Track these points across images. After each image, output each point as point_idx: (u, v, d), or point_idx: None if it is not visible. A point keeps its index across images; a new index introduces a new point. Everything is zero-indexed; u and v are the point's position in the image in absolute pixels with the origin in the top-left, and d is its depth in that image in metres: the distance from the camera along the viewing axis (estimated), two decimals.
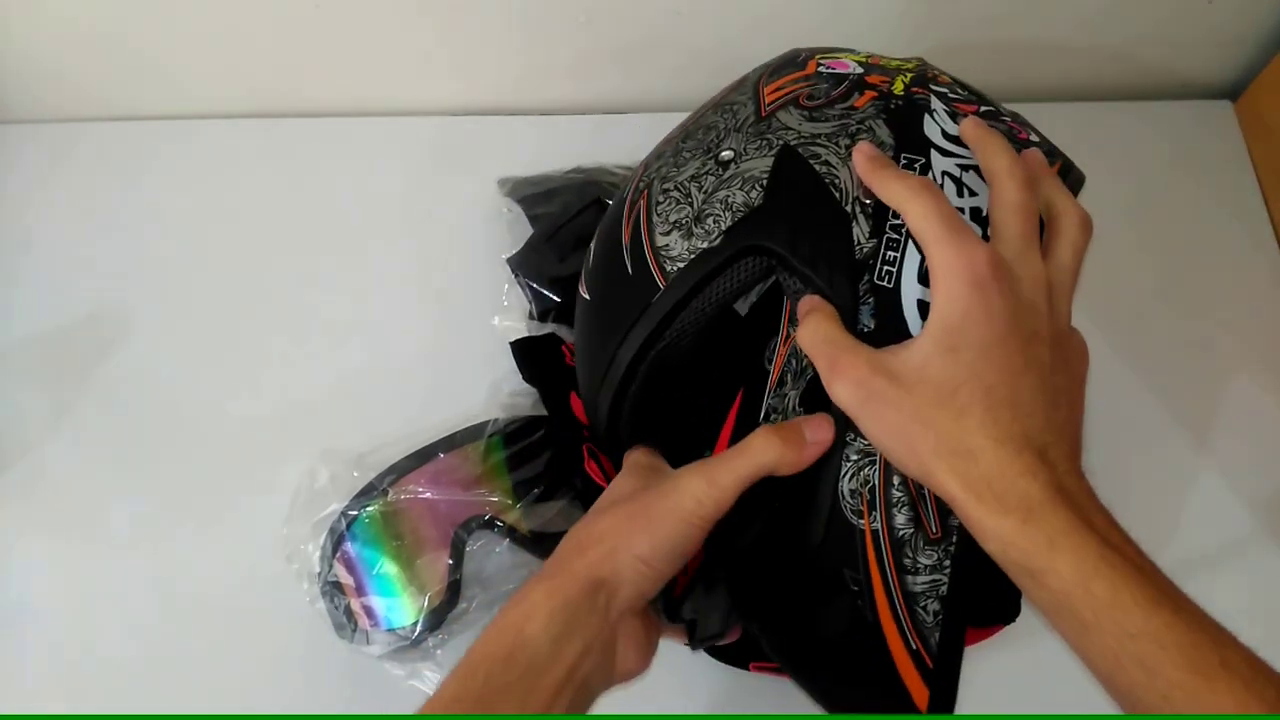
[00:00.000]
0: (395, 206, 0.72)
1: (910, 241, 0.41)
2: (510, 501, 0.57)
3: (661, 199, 0.46)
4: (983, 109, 0.46)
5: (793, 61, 0.49)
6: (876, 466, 0.41)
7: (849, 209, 0.42)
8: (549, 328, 0.64)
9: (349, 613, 0.55)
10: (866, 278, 0.41)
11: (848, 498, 0.42)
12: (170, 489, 0.62)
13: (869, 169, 0.41)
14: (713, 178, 0.44)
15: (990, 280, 0.37)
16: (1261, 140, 0.73)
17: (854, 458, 0.41)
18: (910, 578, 0.41)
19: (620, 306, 0.47)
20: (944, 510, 0.41)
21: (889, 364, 0.38)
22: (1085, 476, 0.38)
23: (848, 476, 0.42)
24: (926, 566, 0.41)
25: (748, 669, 0.55)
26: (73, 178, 0.73)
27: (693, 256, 0.44)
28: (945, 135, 0.44)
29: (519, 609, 0.39)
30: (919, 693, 0.41)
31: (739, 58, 0.75)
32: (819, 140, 0.43)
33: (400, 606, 0.55)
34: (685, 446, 0.47)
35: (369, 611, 0.55)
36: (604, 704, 0.55)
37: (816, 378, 0.42)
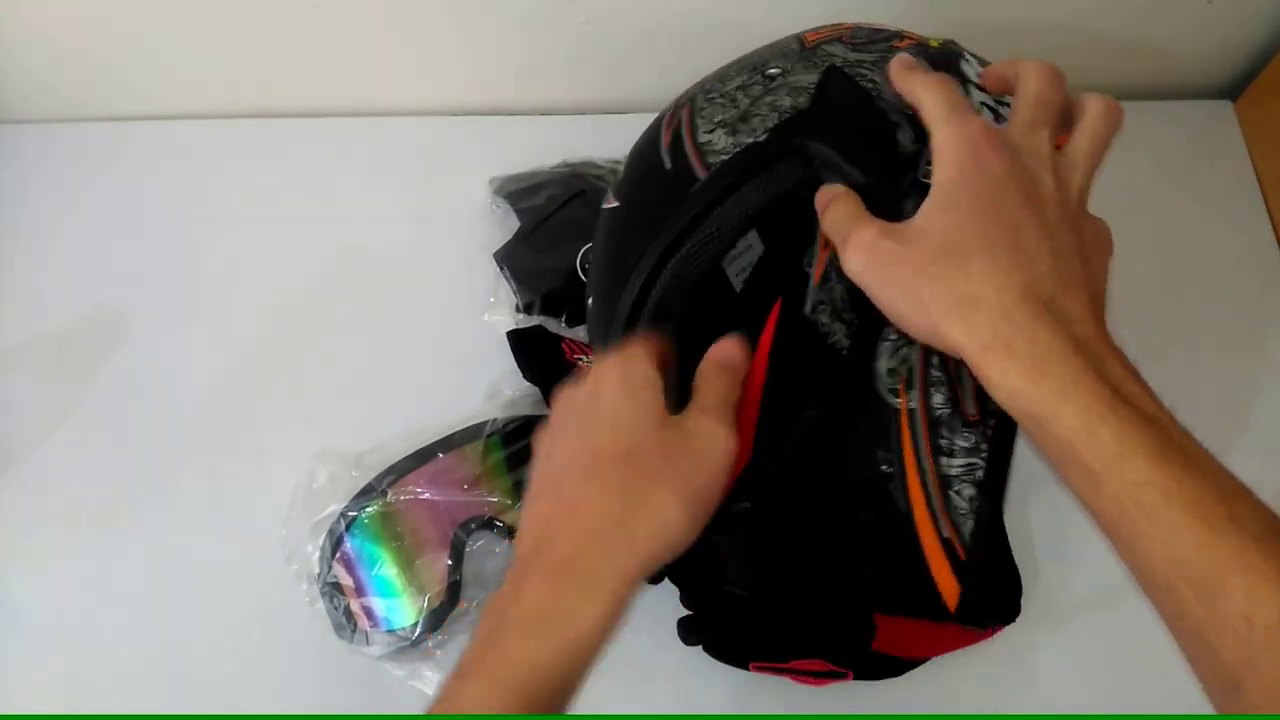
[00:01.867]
0: (394, 206, 0.72)
1: None
2: (509, 501, 0.57)
3: (705, 105, 0.46)
4: None
5: (830, 25, 0.50)
6: (915, 346, 0.41)
7: (893, 118, 0.42)
8: (535, 320, 0.64)
9: (348, 613, 0.55)
10: (910, 174, 0.41)
11: (885, 377, 0.41)
12: (169, 489, 0.62)
13: (899, 70, 0.42)
14: (759, 87, 0.45)
15: (983, 141, 0.38)
16: (1261, 140, 0.73)
17: (892, 337, 0.41)
18: (946, 459, 0.41)
19: (656, 201, 0.46)
20: (983, 393, 0.40)
21: (895, 228, 0.39)
22: (1105, 328, 0.38)
23: (885, 355, 0.41)
24: (963, 449, 0.41)
25: (747, 669, 0.55)
26: (73, 178, 0.73)
27: (737, 150, 0.43)
28: (980, 77, 0.45)
29: (573, 626, 0.36)
30: (949, 590, 0.41)
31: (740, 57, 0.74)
32: (864, 64, 0.44)
33: (400, 607, 0.55)
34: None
35: (368, 612, 0.55)
36: (605, 704, 0.55)
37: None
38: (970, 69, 0.45)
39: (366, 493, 0.57)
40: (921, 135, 0.41)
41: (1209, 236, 0.70)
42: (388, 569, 0.56)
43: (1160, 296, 0.68)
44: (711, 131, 0.44)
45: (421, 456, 0.58)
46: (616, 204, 0.49)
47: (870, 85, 0.43)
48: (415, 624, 0.55)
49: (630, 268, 0.45)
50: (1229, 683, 0.32)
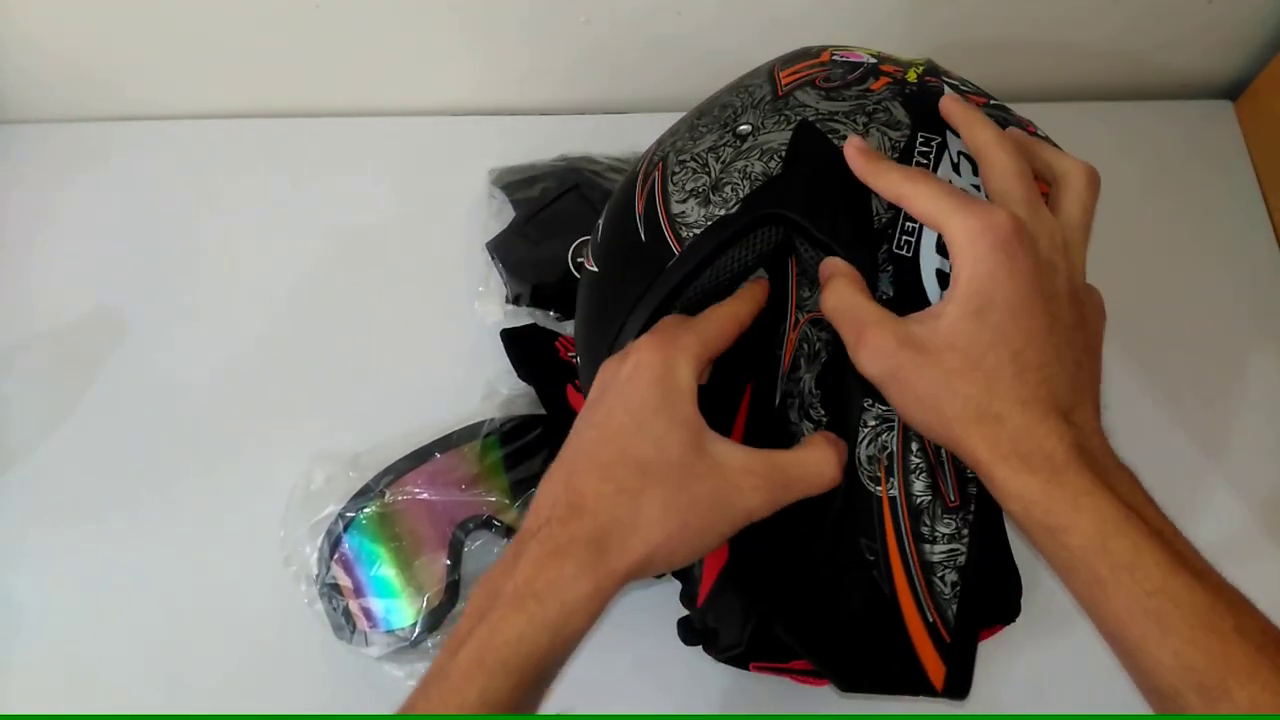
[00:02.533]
0: (394, 206, 0.72)
1: None
2: (508, 501, 0.57)
3: (678, 169, 0.45)
4: (991, 102, 0.46)
5: (806, 53, 0.49)
6: (895, 432, 0.41)
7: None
8: (524, 312, 0.64)
9: (347, 614, 0.55)
10: (885, 247, 0.41)
11: (865, 464, 0.41)
12: (168, 490, 0.62)
13: (863, 163, 0.41)
14: (730, 149, 0.44)
15: (1013, 239, 0.37)
16: (1261, 140, 0.72)
17: (871, 423, 0.41)
18: (928, 546, 0.41)
19: (632, 274, 0.45)
20: (963, 477, 0.41)
21: (915, 334, 0.38)
22: (1106, 436, 0.38)
23: (865, 442, 0.41)
24: (944, 535, 0.41)
25: (748, 669, 0.55)
26: (71, 178, 0.73)
27: (709, 223, 0.43)
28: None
29: (558, 603, 0.37)
30: (935, 669, 0.41)
31: (739, 57, 0.74)
32: (836, 117, 0.43)
33: (399, 607, 0.55)
34: None
35: (367, 613, 0.55)
36: (605, 705, 0.55)
37: (831, 359, 0.42)
38: (953, 104, 0.44)
39: (364, 493, 0.57)
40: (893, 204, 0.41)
41: (1209, 236, 0.70)
42: (386, 569, 0.55)
43: (1160, 296, 0.68)
44: (684, 202, 0.44)
45: (419, 456, 0.58)
46: (595, 269, 0.49)
47: (841, 143, 0.42)
48: (414, 624, 0.55)
49: (611, 339, 0.46)
50: None
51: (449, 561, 0.56)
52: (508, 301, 0.65)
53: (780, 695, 0.56)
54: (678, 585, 0.56)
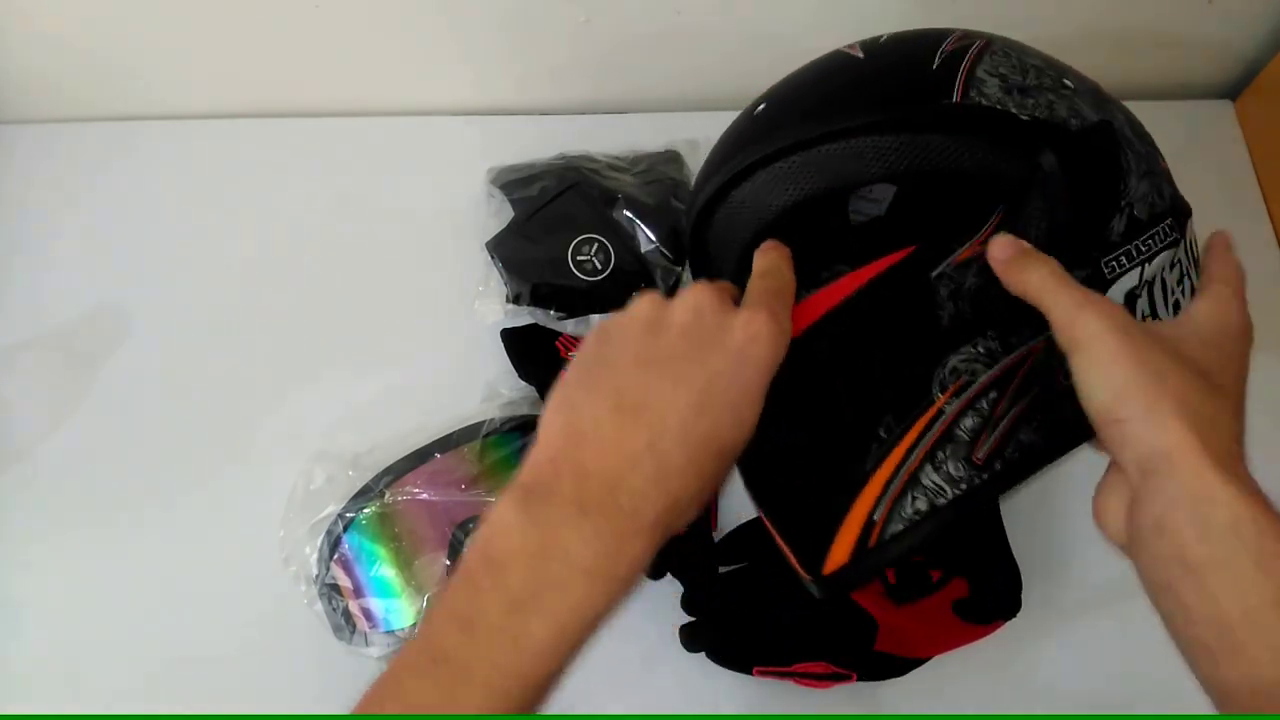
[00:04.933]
0: (393, 206, 0.72)
1: (1144, 265, 0.44)
2: None
3: (1002, 54, 0.45)
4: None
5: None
6: (990, 371, 0.42)
7: (1122, 204, 0.43)
8: (524, 311, 0.64)
9: (347, 615, 0.55)
10: (1099, 255, 0.43)
11: (947, 372, 0.42)
12: (168, 490, 0.62)
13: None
14: (1050, 79, 0.45)
15: (1246, 324, 0.43)
16: (1261, 140, 0.72)
17: (979, 350, 0.42)
18: (929, 468, 0.42)
19: (900, 85, 0.45)
20: (1000, 446, 0.41)
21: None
22: None
23: (962, 358, 0.42)
24: (948, 473, 0.42)
25: (751, 674, 0.55)
26: (72, 178, 0.73)
27: (997, 108, 0.43)
28: None
29: (626, 570, 0.36)
30: (835, 558, 0.42)
31: (739, 58, 0.75)
32: (1134, 146, 0.45)
33: (399, 608, 0.55)
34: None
35: (367, 613, 0.55)
36: (608, 707, 0.55)
37: (995, 293, 0.42)
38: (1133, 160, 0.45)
39: (364, 493, 0.57)
40: (1129, 236, 0.43)
41: (1209, 236, 0.70)
42: (386, 570, 0.55)
43: None
44: (991, 75, 0.44)
45: (419, 457, 0.58)
46: (860, 55, 0.48)
47: (1126, 163, 0.44)
48: (414, 624, 0.55)
49: (832, 114, 0.45)
50: None
51: (449, 562, 0.55)
52: (508, 301, 0.65)
53: (783, 697, 0.56)
54: (679, 588, 0.56)
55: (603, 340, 0.41)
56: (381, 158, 0.74)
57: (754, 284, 0.42)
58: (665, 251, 0.66)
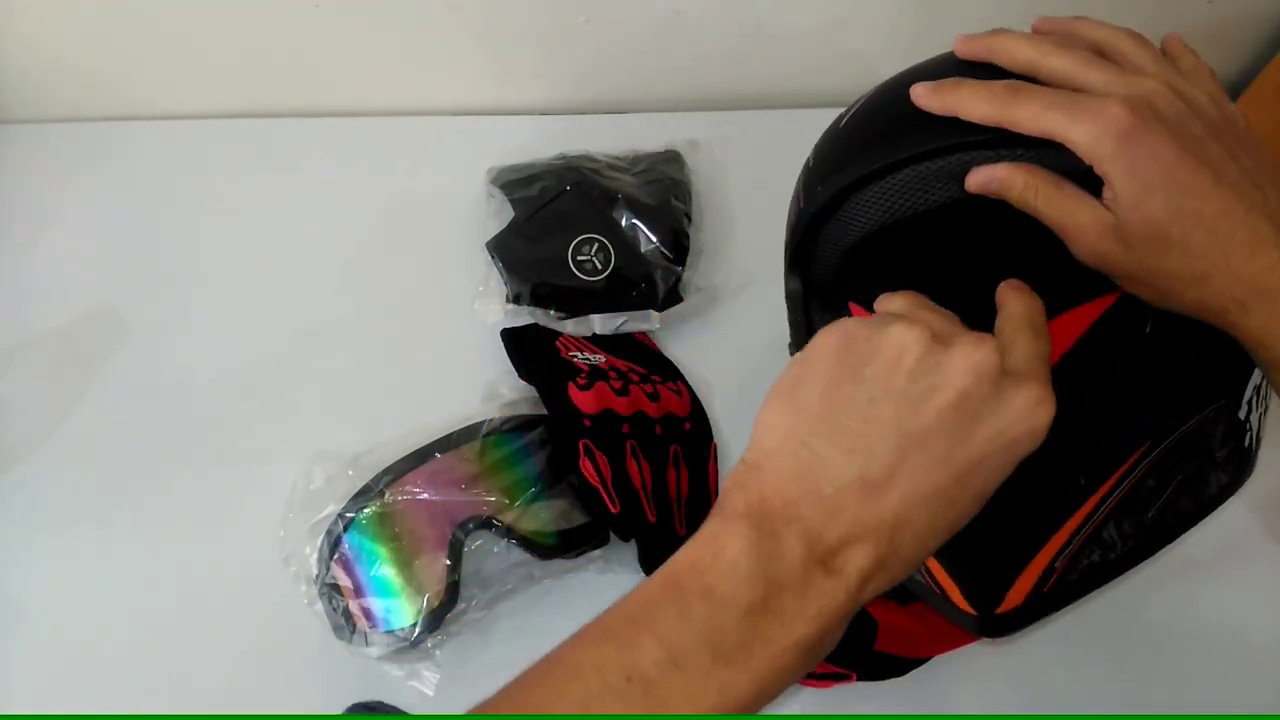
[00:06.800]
0: (393, 206, 0.72)
1: None
2: (507, 501, 0.57)
3: None
4: None
5: None
6: (1178, 432, 0.42)
7: None
8: (524, 311, 0.64)
9: (347, 614, 0.55)
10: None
11: (1143, 427, 0.42)
12: (168, 490, 0.62)
13: (939, 99, 0.40)
14: None
15: (1134, 127, 0.37)
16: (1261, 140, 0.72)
17: (1167, 408, 0.42)
18: (1111, 522, 0.42)
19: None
20: (1165, 509, 0.42)
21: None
22: None
23: (1153, 415, 0.42)
24: (1123, 530, 0.42)
25: None
26: (71, 178, 0.74)
27: None
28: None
29: (819, 649, 0.34)
30: (1014, 599, 0.41)
31: (739, 58, 0.75)
32: None
33: (399, 608, 0.55)
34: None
35: (367, 613, 0.55)
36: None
37: (1192, 355, 0.41)
38: None
39: (364, 493, 0.57)
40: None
41: None
42: (386, 569, 0.55)
43: None
44: None
45: (419, 456, 0.58)
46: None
47: None
48: (414, 624, 0.55)
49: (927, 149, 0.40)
50: None
51: (449, 561, 0.55)
52: (508, 301, 0.65)
53: (782, 699, 0.55)
54: None
55: (853, 368, 0.36)
56: (381, 158, 0.74)
57: (1026, 343, 0.37)
58: (665, 251, 0.66)
